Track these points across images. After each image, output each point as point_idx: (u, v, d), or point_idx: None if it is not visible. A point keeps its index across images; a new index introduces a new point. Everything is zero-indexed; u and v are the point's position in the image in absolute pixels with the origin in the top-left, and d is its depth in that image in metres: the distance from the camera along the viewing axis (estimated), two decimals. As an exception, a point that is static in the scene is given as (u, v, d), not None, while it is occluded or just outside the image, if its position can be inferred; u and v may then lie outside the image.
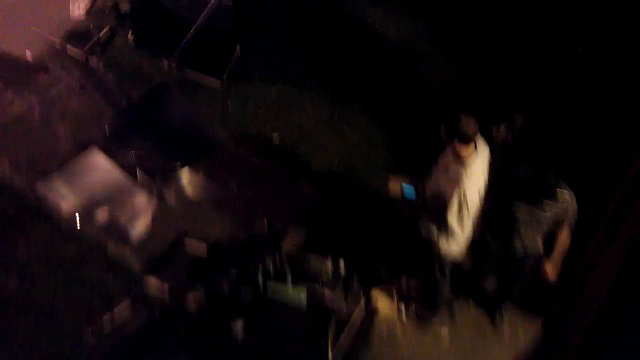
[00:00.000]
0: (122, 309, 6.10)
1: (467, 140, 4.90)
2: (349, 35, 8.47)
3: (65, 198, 6.93)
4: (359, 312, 6.05)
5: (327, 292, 5.97)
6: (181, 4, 8.18)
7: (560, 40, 7.82)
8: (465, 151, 4.94)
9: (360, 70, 8.12)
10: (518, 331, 6.34)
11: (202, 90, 8.11)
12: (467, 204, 4.95)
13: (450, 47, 8.23)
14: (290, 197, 7.14)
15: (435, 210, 5.21)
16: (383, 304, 6.29)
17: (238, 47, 8.29)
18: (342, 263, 6.25)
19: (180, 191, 7.15)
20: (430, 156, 5.63)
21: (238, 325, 5.74)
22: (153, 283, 6.25)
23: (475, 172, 5.00)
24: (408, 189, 5.42)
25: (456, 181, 4.95)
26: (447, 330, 6.28)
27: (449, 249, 5.37)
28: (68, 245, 6.62)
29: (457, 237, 5.21)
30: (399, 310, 6.28)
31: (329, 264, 6.20)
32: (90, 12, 8.93)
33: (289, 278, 6.06)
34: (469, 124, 4.84)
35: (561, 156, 6.89)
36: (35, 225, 6.79)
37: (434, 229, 5.30)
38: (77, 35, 8.66)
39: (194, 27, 8.11)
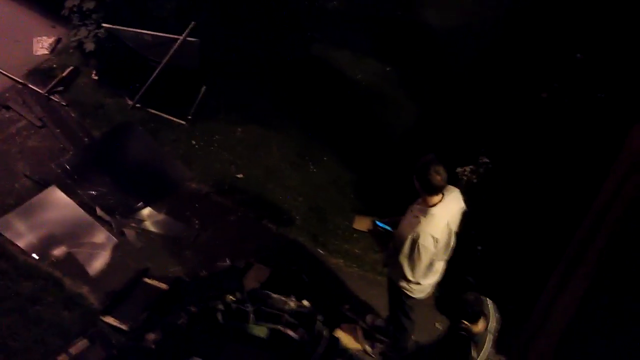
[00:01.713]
0: (79, 348, 5.86)
1: (434, 190, 4.88)
2: (316, 77, 8.53)
3: (22, 235, 6.76)
4: (322, 351, 5.88)
5: (290, 332, 5.80)
6: (146, 44, 8.11)
7: (526, 85, 7.97)
8: (431, 200, 4.92)
9: (327, 111, 8.15)
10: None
11: (167, 129, 8.04)
12: (418, 249, 4.90)
13: (417, 90, 8.32)
14: (253, 236, 7.02)
15: (395, 250, 5.16)
16: (348, 343, 6.14)
17: (204, 87, 8.27)
18: (305, 302, 6.10)
19: (141, 228, 7.00)
20: (396, 199, 5.61)
21: (197, 365, 5.55)
22: (111, 321, 6.05)
23: (437, 221, 4.95)
24: (380, 223, 5.42)
25: (414, 225, 4.92)
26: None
27: (408, 288, 5.29)
28: (24, 283, 6.41)
29: (410, 278, 5.14)
30: (364, 350, 6.14)
31: (292, 303, 6.04)
32: (54, 51, 8.89)
33: (251, 316, 5.89)
34: (436, 176, 4.81)
35: (526, 195, 7.01)
36: (-10, 262, 6.60)
37: (394, 268, 5.25)
38: (41, 73, 8.60)
39: (159, 67, 8.06)
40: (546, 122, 7.63)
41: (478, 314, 4.49)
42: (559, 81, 7.91)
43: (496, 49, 8.55)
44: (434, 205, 4.92)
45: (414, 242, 4.89)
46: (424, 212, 4.92)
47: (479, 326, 4.52)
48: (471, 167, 7.23)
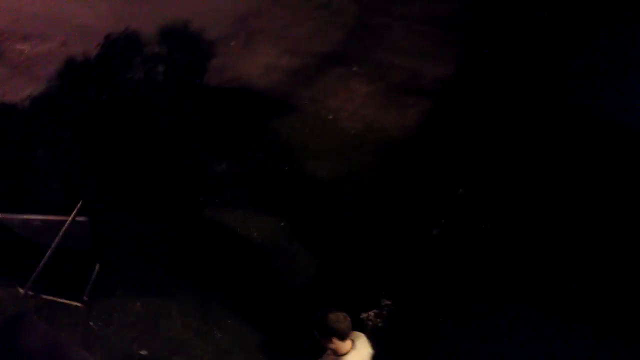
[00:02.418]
0: None
1: (342, 336, 4.87)
2: (211, 240, 8.55)
3: None
4: None
5: None
6: (34, 229, 7.98)
7: (415, 225, 8.24)
8: (342, 348, 4.90)
9: (226, 273, 8.12)
10: None
11: (63, 313, 7.78)
12: None
13: (312, 241, 8.44)
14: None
15: None
16: None
17: (98, 265, 8.13)
18: None
19: None
20: (307, 355, 5.59)
21: None
22: None
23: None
24: None
25: None
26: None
27: None
28: None
29: None
30: None
31: None
32: None
33: None
34: (339, 320, 4.84)
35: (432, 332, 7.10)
36: None
37: None
38: None
39: (49, 251, 7.89)
40: (440, 259, 7.86)
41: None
42: (445, 217, 8.22)
43: (381, 192, 8.86)
44: (346, 353, 4.89)
45: None
46: None
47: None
48: (374, 310, 7.29)
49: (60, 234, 7.81)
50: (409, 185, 8.80)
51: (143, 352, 7.35)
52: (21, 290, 7.95)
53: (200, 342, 7.42)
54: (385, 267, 7.84)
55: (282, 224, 8.73)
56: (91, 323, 7.67)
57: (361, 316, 7.15)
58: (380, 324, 7.21)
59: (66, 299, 7.88)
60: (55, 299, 7.90)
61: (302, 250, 8.37)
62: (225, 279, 8.05)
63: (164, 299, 7.86)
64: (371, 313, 7.27)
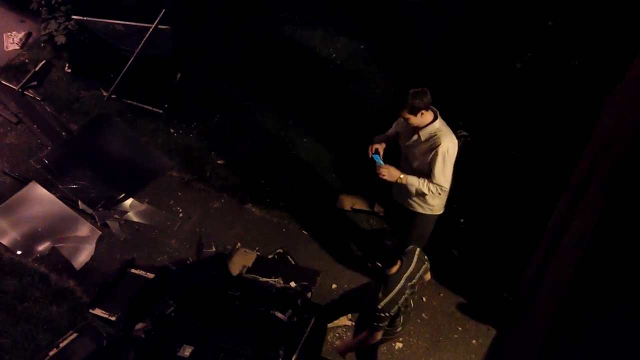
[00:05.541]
0: (69, 342, 5.89)
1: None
2: (290, 58, 8.53)
3: (5, 233, 6.76)
4: (310, 331, 5.92)
5: (278, 314, 5.85)
6: (118, 34, 8.06)
7: (499, 56, 8.00)
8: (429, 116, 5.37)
9: (302, 92, 8.17)
10: (472, 343, 6.33)
11: (144, 118, 8.02)
12: (450, 157, 5.30)
13: (391, 65, 8.34)
14: (237, 221, 7.06)
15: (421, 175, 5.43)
16: (336, 321, 6.21)
17: (179, 74, 8.25)
18: (292, 283, 6.16)
19: (124, 220, 7.01)
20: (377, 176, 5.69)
21: (186, 352, 5.58)
22: (99, 313, 6.08)
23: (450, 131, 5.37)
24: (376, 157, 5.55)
25: (436, 142, 5.27)
26: (401, 345, 6.24)
27: (433, 204, 5.66)
28: (10, 280, 6.42)
29: (446, 188, 5.46)
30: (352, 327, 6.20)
31: (279, 285, 6.10)
32: (25, 45, 8.81)
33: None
34: (419, 96, 5.31)
35: (506, 166, 7.10)
36: (-25, 261, 6.61)
37: (418, 188, 5.40)
38: (13, 69, 8.52)
39: (132, 56, 8.02)
40: (522, 92, 7.69)
41: (392, 258, 4.80)
42: (532, 50, 7.94)
43: (467, 21, 8.57)
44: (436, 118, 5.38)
45: (444, 154, 5.26)
46: (436, 129, 5.34)
47: (392, 269, 4.82)
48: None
49: (143, 40, 7.88)
50: (495, 15, 8.46)
51: (220, 162, 7.59)
52: (104, 93, 8.21)
53: (275, 156, 7.63)
54: (463, 95, 7.72)
55: (362, 46, 8.61)
56: (172, 130, 7.89)
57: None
58: None
59: (148, 105, 8.11)
60: (137, 104, 8.14)
61: (380, 75, 8.30)
62: (302, 98, 8.10)
63: (242, 113, 8.00)
64: None
